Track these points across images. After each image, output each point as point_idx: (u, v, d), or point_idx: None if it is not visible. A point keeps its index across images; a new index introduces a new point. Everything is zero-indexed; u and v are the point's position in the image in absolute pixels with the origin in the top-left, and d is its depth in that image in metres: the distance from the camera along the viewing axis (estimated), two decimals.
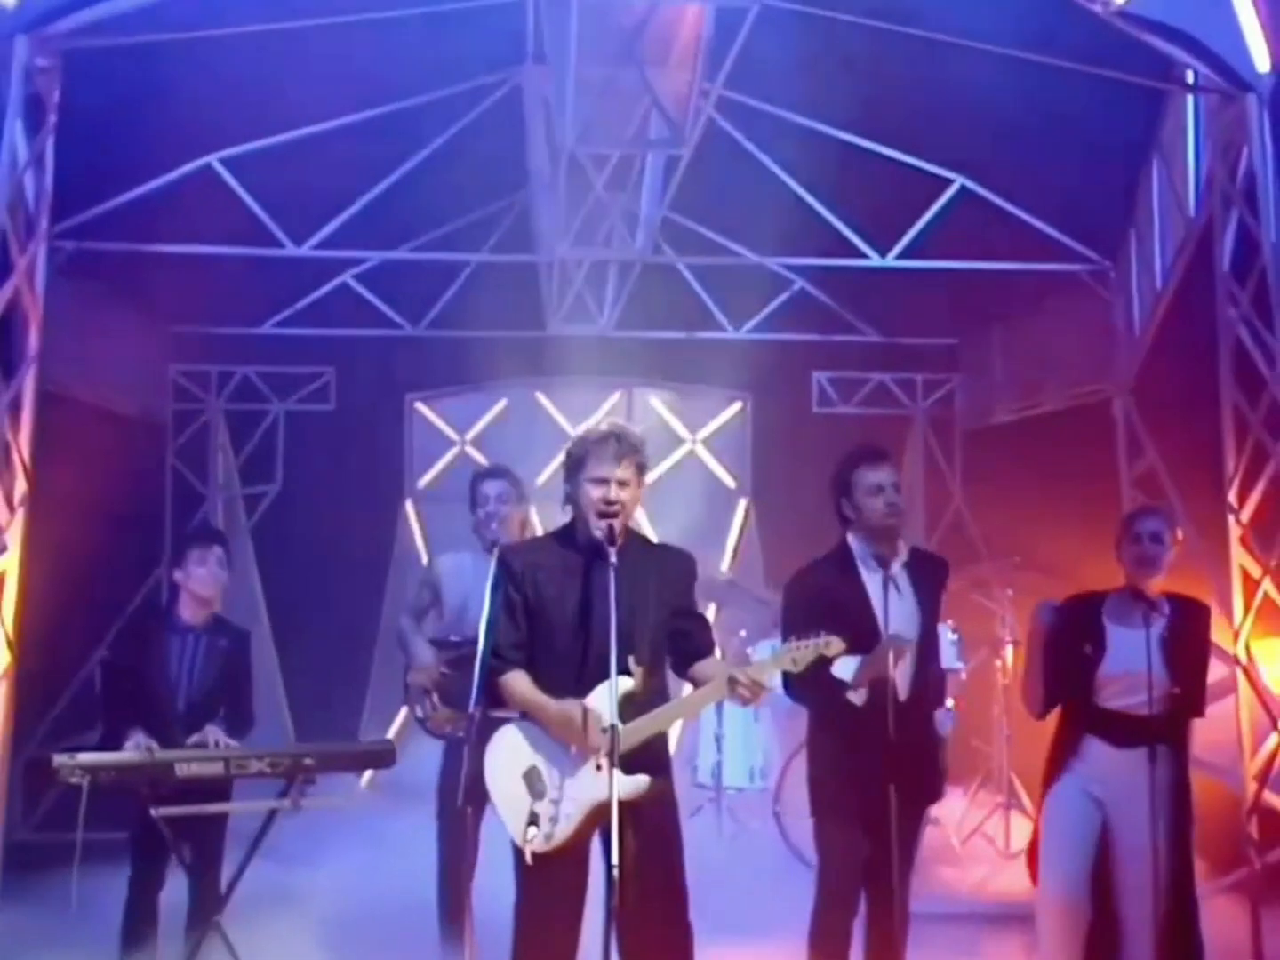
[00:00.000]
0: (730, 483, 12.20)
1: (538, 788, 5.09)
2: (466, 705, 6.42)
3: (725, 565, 11.88)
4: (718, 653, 5.69)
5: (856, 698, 5.64)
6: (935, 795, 6.04)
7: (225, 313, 10.88)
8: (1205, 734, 7.92)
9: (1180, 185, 8.65)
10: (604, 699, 4.96)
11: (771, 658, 5.33)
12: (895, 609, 5.64)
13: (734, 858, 8.99)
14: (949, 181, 9.40)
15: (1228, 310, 7.76)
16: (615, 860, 4.66)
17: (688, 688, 5.37)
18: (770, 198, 9.47)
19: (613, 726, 4.87)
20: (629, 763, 4.91)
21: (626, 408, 11.94)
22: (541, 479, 10.50)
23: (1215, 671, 7.94)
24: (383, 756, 6.68)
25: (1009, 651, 9.53)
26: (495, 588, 5.35)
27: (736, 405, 12.21)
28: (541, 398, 11.96)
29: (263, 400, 11.73)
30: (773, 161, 9.36)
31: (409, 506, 11.95)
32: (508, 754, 5.21)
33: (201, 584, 6.53)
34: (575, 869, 5.16)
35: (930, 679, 5.88)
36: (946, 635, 8.23)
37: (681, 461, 12.05)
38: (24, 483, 7.10)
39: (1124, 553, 6.02)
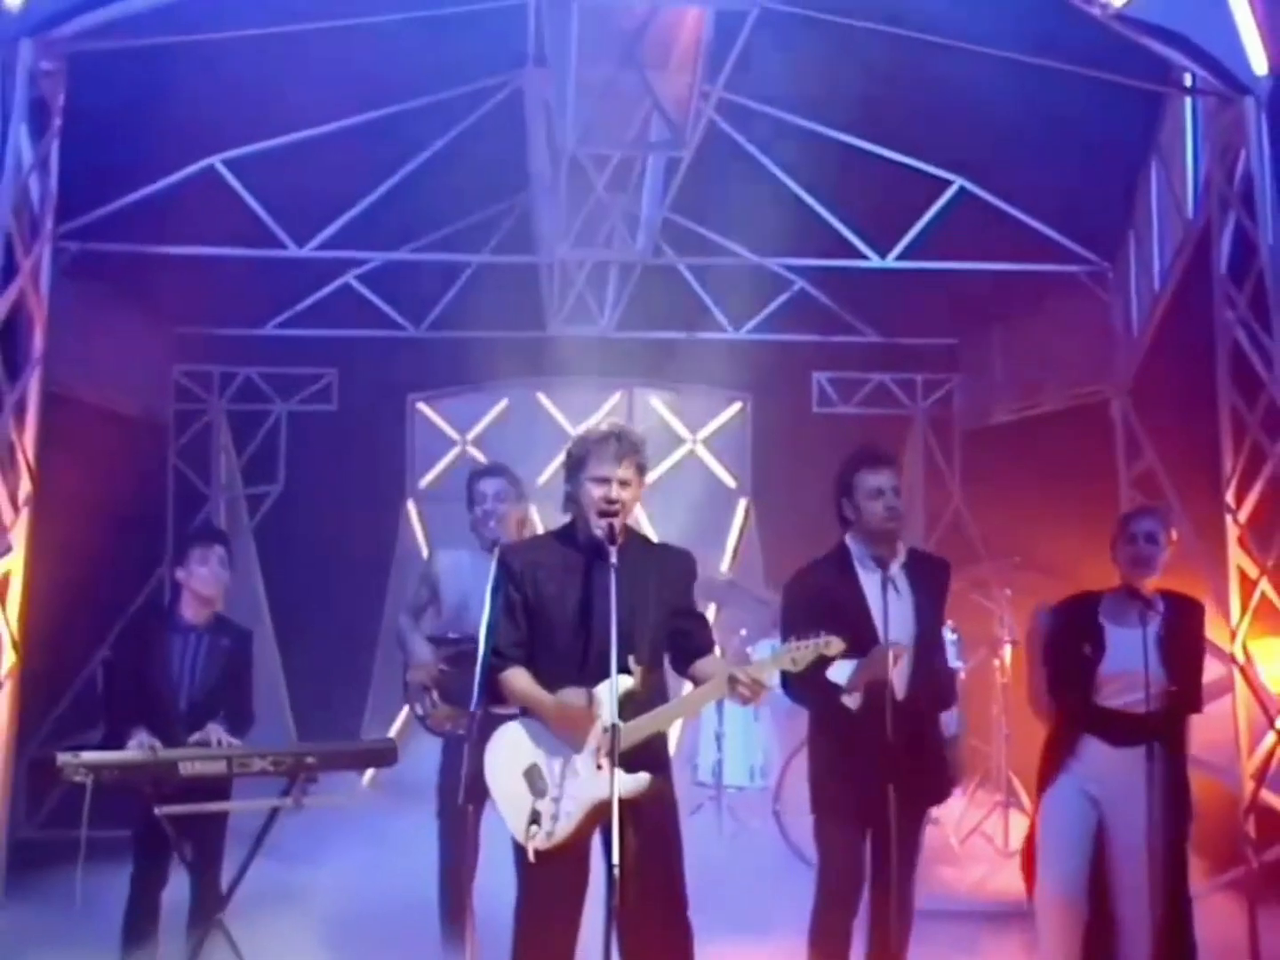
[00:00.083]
0: (730, 483, 12.22)
1: (539, 785, 5.11)
2: (466, 702, 6.42)
3: (725, 565, 11.90)
4: (718, 651, 5.71)
5: (851, 701, 5.66)
6: (939, 796, 6.03)
7: (228, 313, 10.92)
8: (1203, 733, 7.89)
9: (1179, 187, 8.65)
10: (605, 698, 4.97)
11: (772, 657, 5.34)
12: (893, 610, 5.64)
13: (734, 856, 8.99)
14: (948, 183, 9.42)
15: (1225, 312, 7.77)
16: (616, 859, 4.67)
17: (688, 686, 5.38)
18: (770, 199, 9.49)
19: (614, 725, 4.87)
20: (629, 761, 4.92)
21: (627, 408, 11.97)
22: (542, 479, 10.54)
23: (1213, 671, 7.98)
24: (384, 755, 6.67)
25: (1007, 651, 9.56)
26: (496, 587, 5.36)
27: (737, 405, 12.23)
28: (542, 398, 11.98)
29: (265, 401, 11.75)
30: (773, 163, 9.39)
31: (410, 506, 11.98)
32: (508, 752, 5.23)
33: (203, 583, 6.54)
34: (576, 867, 5.18)
35: (934, 679, 5.88)
36: (946, 635, 8.25)
37: (682, 461, 12.07)
38: (28, 483, 7.12)
39: (1119, 553, 6.06)
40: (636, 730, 5.06)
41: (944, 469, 11.96)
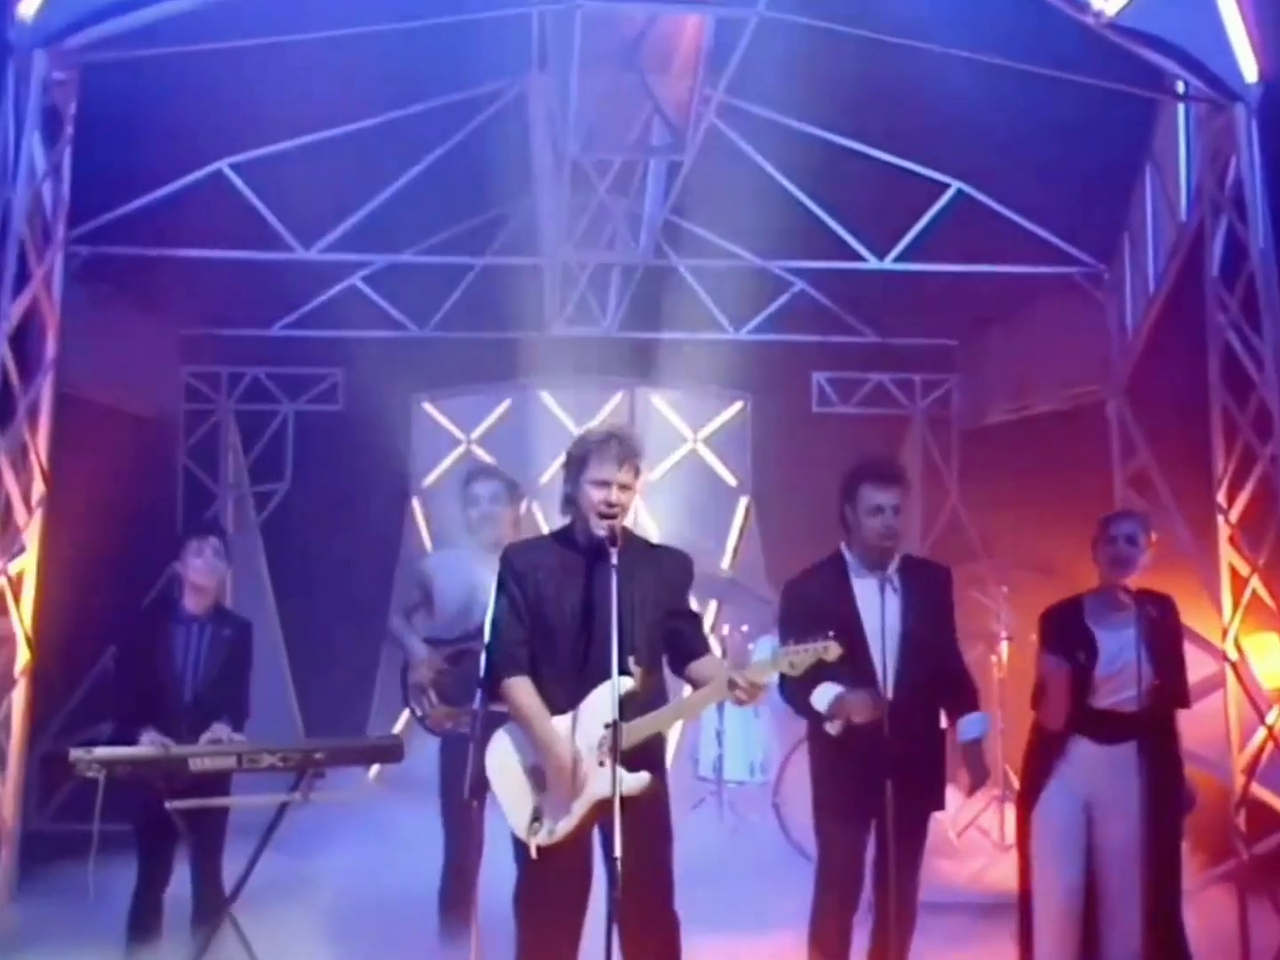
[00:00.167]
0: (731, 481, 12.24)
1: (540, 783, 5.16)
2: (464, 702, 6.54)
3: (726, 563, 11.95)
4: (718, 649, 5.76)
5: (832, 728, 5.74)
6: (937, 798, 6.05)
7: (235, 315, 10.99)
8: (1195, 728, 7.94)
9: (1172, 191, 8.69)
10: (605, 699, 5.01)
11: (771, 660, 5.36)
12: (884, 615, 5.72)
13: (735, 850, 9.08)
14: (946, 186, 9.47)
15: (1217, 314, 7.78)
16: (619, 853, 4.71)
17: (687, 688, 5.42)
18: (770, 202, 9.52)
19: (615, 723, 4.92)
20: (628, 760, 4.96)
21: (629, 407, 11.99)
22: (545, 478, 10.63)
23: (1205, 667, 8.10)
24: (391, 751, 6.74)
25: (1004, 647, 9.67)
26: (500, 586, 5.40)
27: (737, 405, 12.25)
28: (545, 397, 11.97)
29: (272, 401, 11.83)
30: (773, 166, 9.43)
31: (415, 504, 12.00)
32: (510, 750, 5.27)
33: (198, 574, 6.60)
34: (578, 862, 5.24)
35: (938, 681, 5.93)
36: None
37: (683, 460, 12.10)
38: (41, 485, 7.16)
39: (1100, 554, 6.15)
40: (637, 731, 5.09)
41: (942, 468, 12.01)
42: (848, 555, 6.00)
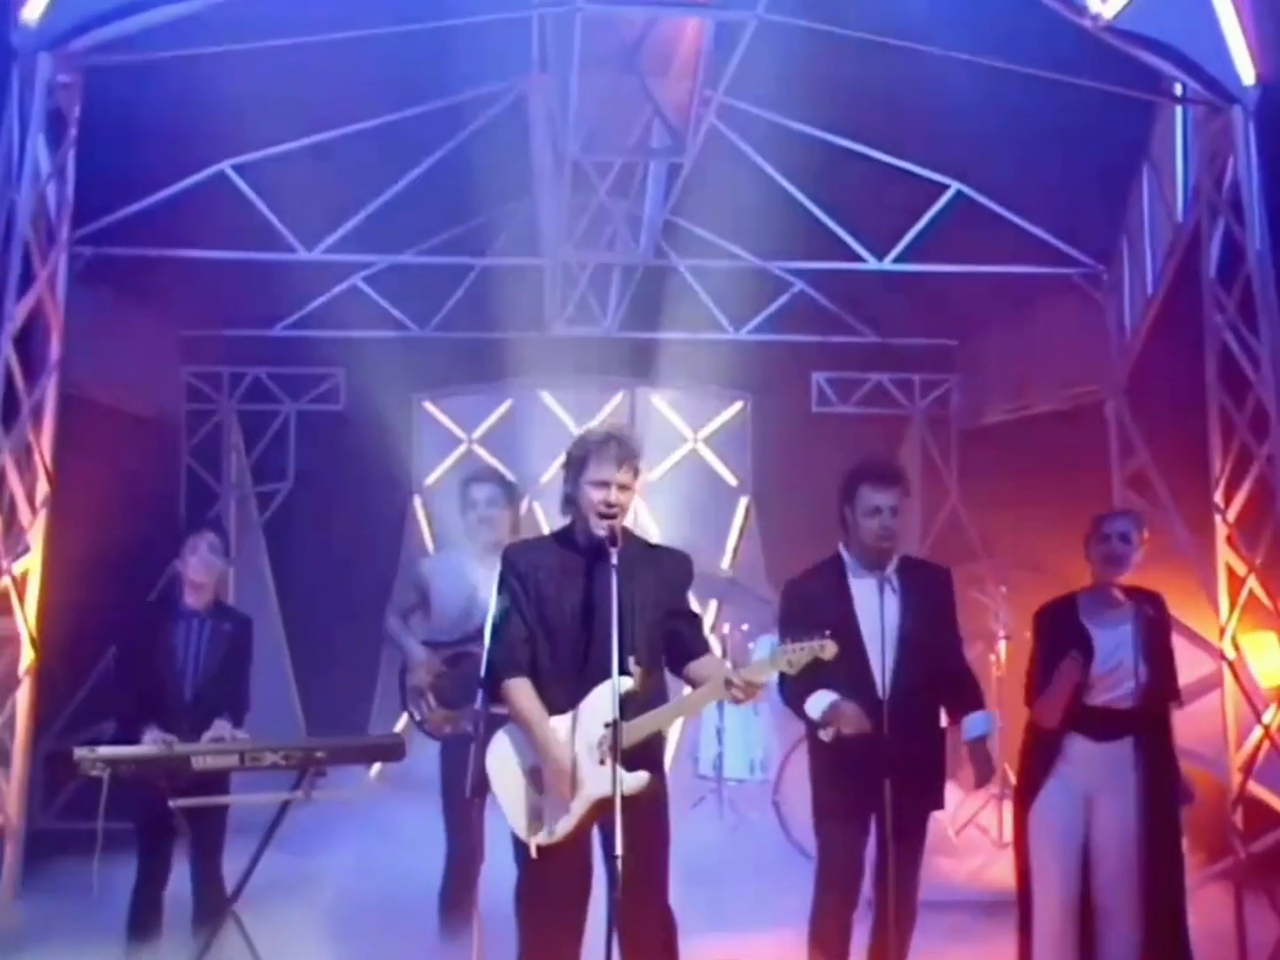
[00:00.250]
0: (731, 481, 12.26)
1: (540, 784, 5.19)
2: (462, 705, 6.59)
3: (726, 562, 11.98)
4: (718, 647, 5.79)
5: (825, 735, 5.78)
6: (936, 797, 6.06)
7: (237, 315, 11.04)
8: (1193, 726, 7.99)
9: (1169, 193, 8.73)
10: (604, 698, 5.04)
11: (769, 659, 5.38)
12: (877, 615, 5.75)
13: (735, 848, 9.11)
14: (945, 187, 9.51)
15: (1214, 315, 7.81)
16: (620, 852, 4.73)
17: (686, 687, 5.43)
18: (770, 202, 9.56)
19: (615, 722, 4.94)
20: (629, 760, 4.98)
21: (630, 407, 12.03)
22: (546, 477, 10.65)
23: (1202, 666, 8.15)
24: (392, 750, 6.72)
25: (1002, 646, 9.71)
26: (501, 586, 5.42)
27: (737, 405, 12.28)
28: (546, 397, 12.02)
29: (274, 400, 11.85)
30: (773, 167, 9.47)
31: (416, 503, 12.02)
32: (510, 751, 5.29)
33: (195, 570, 6.65)
34: (578, 860, 5.25)
35: (937, 680, 5.95)
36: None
37: (683, 460, 12.13)
38: (46, 485, 7.18)
39: (1092, 552, 6.19)
40: (637, 730, 5.11)
41: (941, 468, 12.03)
42: (846, 556, 6.04)
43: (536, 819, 5.14)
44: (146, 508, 10.08)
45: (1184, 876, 6.17)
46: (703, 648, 5.50)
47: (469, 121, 9.23)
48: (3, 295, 6.97)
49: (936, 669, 5.95)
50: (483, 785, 5.38)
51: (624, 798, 4.89)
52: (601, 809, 5.05)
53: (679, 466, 12.08)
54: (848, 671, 5.68)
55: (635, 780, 5.04)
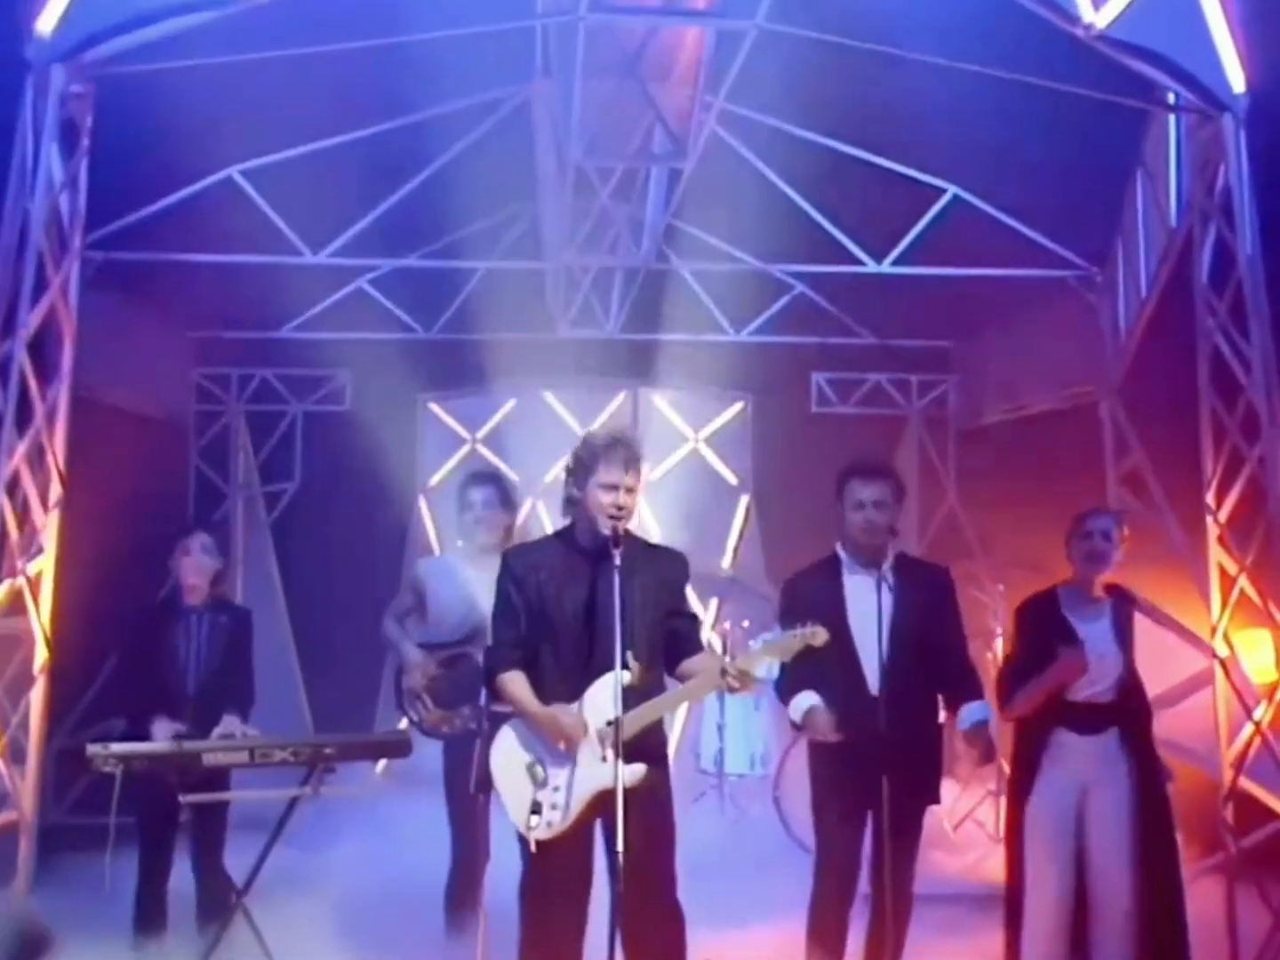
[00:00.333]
0: (732, 480, 12.34)
1: (540, 778, 5.28)
2: (458, 705, 6.67)
3: (727, 561, 12.05)
4: (718, 644, 5.88)
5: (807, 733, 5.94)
6: (932, 793, 6.16)
7: (245, 318, 11.12)
8: (1185, 722, 8.15)
9: (1163, 198, 8.76)
10: (604, 693, 5.16)
11: (762, 649, 5.53)
12: (867, 612, 5.85)
13: (735, 842, 9.20)
14: (942, 191, 9.57)
15: (1206, 320, 7.80)
16: (620, 846, 4.83)
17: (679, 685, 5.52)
18: (770, 206, 9.62)
19: (617, 718, 5.04)
20: (628, 753, 5.06)
21: (632, 407, 12.11)
22: (549, 476, 10.74)
23: (1195, 663, 8.24)
24: (399, 746, 6.79)
25: (999, 644, 9.80)
26: (499, 589, 5.53)
27: (738, 405, 12.37)
28: (549, 398, 12.10)
29: (281, 402, 11.95)
30: (773, 172, 9.52)
31: (421, 503, 12.09)
32: (511, 748, 5.39)
33: (187, 571, 6.78)
34: (579, 856, 5.34)
35: (935, 676, 6.05)
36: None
37: (685, 459, 12.21)
38: (59, 487, 7.24)
39: (1075, 549, 6.29)
40: (635, 720, 5.19)
41: (938, 467, 12.11)
42: (841, 553, 6.15)
43: (535, 812, 5.22)
44: (155, 507, 10.13)
45: (1179, 864, 6.25)
46: (697, 647, 5.59)
47: (473, 127, 9.28)
48: (17, 302, 7.02)
49: (934, 666, 6.03)
50: (487, 781, 5.46)
51: (626, 792, 4.96)
52: (602, 802, 5.13)
53: (680, 466, 12.16)
54: (839, 667, 5.83)
55: (631, 774, 5.10)
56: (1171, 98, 8.00)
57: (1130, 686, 6.21)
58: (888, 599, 5.91)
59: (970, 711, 6.05)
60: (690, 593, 5.77)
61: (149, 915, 6.59)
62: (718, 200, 9.77)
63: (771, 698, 6.66)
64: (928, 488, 12.07)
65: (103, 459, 8.52)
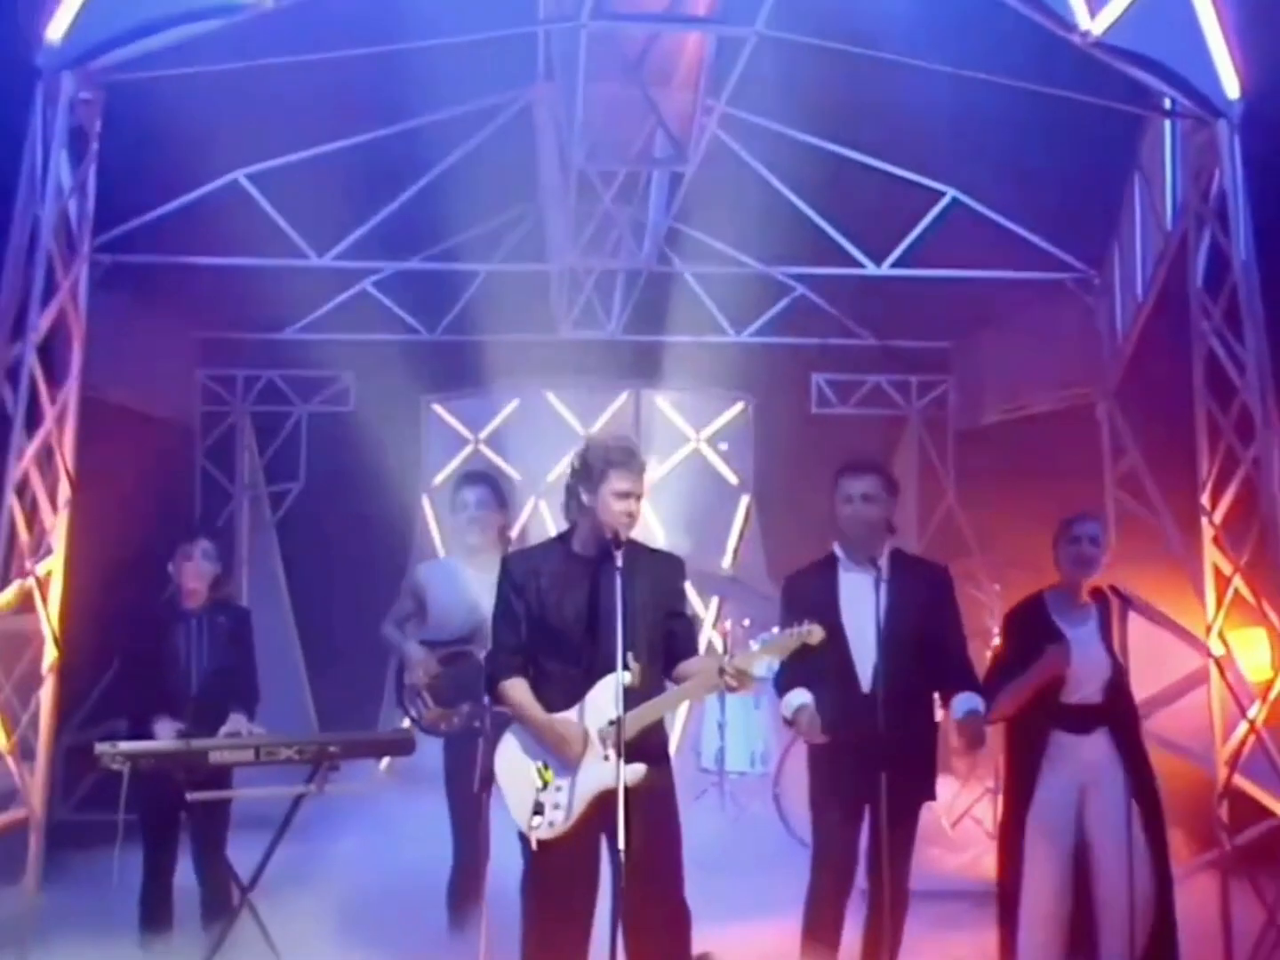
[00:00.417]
0: (733, 480, 12.39)
1: (543, 779, 5.33)
2: (458, 703, 6.72)
3: (728, 560, 12.10)
4: (719, 643, 5.93)
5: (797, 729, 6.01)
6: (928, 789, 6.20)
7: (250, 320, 11.14)
8: (1181, 721, 8.21)
9: (1159, 202, 8.79)
10: (606, 695, 5.22)
11: (760, 648, 5.59)
12: (861, 609, 5.90)
13: (736, 839, 9.25)
14: (941, 194, 9.63)
15: (1201, 323, 7.84)
16: (622, 845, 4.87)
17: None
18: (771, 209, 9.68)
19: (619, 718, 5.10)
20: (629, 753, 5.12)
21: (634, 408, 12.16)
22: (551, 476, 10.82)
23: (1191, 662, 8.30)
24: (402, 744, 6.91)
25: (996, 643, 9.85)
26: (499, 594, 5.59)
27: (739, 406, 12.42)
28: (552, 398, 12.15)
29: (286, 403, 12.01)
30: (774, 175, 9.58)
31: (425, 502, 12.13)
32: (517, 750, 5.45)
33: (187, 576, 6.86)
34: (584, 853, 5.36)
35: (932, 672, 6.08)
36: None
37: (686, 460, 12.27)
38: (67, 488, 7.29)
39: (1062, 553, 6.35)
40: (636, 720, 5.24)
41: (938, 467, 12.16)
42: (838, 551, 6.21)
43: (538, 812, 5.26)
44: (161, 507, 10.08)
45: (1169, 861, 6.32)
46: (694, 650, 5.66)
47: (476, 132, 9.34)
48: (28, 305, 7.07)
49: (931, 663, 6.08)
50: (490, 779, 5.52)
51: (628, 792, 5.00)
52: (605, 802, 5.17)
53: (682, 466, 12.22)
54: (833, 663, 5.88)
55: (632, 773, 5.14)
56: (1167, 103, 8.03)
57: (1118, 688, 6.27)
58: (884, 596, 5.94)
59: (963, 700, 6.08)
60: (691, 592, 5.86)
61: (155, 912, 6.65)
62: (719, 203, 9.81)
63: (771, 696, 6.71)
64: (927, 488, 12.13)
65: (109, 459, 8.51)
